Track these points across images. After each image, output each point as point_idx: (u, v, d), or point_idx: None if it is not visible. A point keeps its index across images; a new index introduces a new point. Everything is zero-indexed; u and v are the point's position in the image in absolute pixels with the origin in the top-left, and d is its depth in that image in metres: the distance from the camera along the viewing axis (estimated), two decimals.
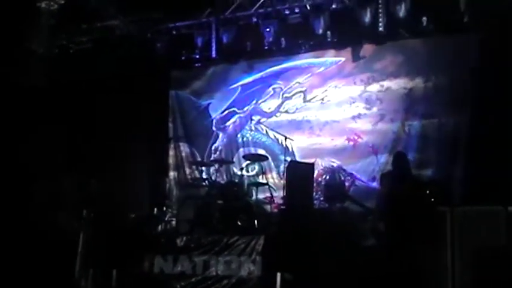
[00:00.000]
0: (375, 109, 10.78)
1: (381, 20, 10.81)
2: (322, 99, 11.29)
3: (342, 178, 10.18)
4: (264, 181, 10.08)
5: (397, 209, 6.95)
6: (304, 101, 11.45)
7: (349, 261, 5.97)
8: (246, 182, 10.53)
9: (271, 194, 9.96)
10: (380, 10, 10.81)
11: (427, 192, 7.60)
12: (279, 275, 7.39)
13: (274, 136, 11.56)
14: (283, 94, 11.73)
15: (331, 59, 11.36)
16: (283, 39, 11.63)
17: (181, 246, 8.15)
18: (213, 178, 9.94)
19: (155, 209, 9.74)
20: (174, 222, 9.27)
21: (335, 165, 10.65)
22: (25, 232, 8.99)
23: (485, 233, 6.64)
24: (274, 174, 11.26)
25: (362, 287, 5.59)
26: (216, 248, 7.88)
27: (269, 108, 11.79)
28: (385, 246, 8.07)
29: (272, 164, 11.23)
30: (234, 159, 11.42)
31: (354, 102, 10.98)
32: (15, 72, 11.28)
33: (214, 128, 12.24)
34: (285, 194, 9.32)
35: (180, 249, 8.12)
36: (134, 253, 8.34)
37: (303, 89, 11.54)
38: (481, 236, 6.55)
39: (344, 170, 10.49)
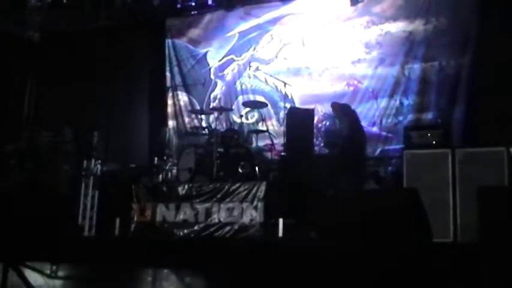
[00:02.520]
0: (374, 53, 10.67)
1: None
2: (321, 44, 11.16)
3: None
4: (264, 128, 10.05)
5: None
6: (303, 46, 11.33)
7: (349, 206, 5.97)
8: (246, 129, 10.51)
9: (271, 140, 9.96)
10: None
11: (428, 135, 7.57)
12: (281, 221, 7.44)
13: (273, 83, 11.48)
14: (281, 40, 11.60)
15: (329, 3, 11.18)
16: None
17: (183, 195, 8.17)
18: (212, 126, 9.90)
19: (155, 159, 9.73)
20: (174, 171, 9.25)
21: None
22: (27, 182, 9.04)
23: (487, 174, 6.63)
24: (274, 121, 11.24)
25: (363, 232, 5.60)
26: (218, 195, 7.89)
27: (267, 55, 11.68)
28: (386, 190, 8.13)
29: (271, 111, 11.18)
30: (233, 107, 11.36)
31: (353, 47, 10.86)
32: (9, 24, 11.15)
33: (212, 76, 12.16)
34: (285, 140, 9.33)
35: (182, 198, 8.14)
36: (136, 202, 8.38)
37: (302, 34, 11.40)
38: (482, 177, 6.54)
39: None
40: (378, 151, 10.22)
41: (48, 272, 6.57)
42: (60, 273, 6.63)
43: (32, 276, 6.45)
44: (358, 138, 8.78)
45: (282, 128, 9.64)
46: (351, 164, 8.44)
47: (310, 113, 9.46)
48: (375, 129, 10.33)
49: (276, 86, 11.39)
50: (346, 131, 8.73)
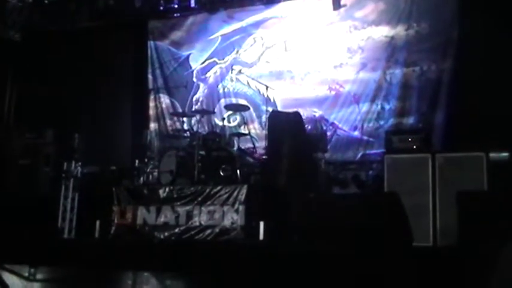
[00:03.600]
0: (356, 58, 10.72)
1: None
2: (304, 48, 11.19)
3: (324, 128, 10.16)
4: (246, 131, 10.04)
5: None
6: (286, 50, 11.35)
7: (331, 209, 5.99)
8: (227, 132, 10.47)
9: (253, 144, 9.95)
10: None
11: (409, 140, 7.63)
12: (262, 224, 7.44)
13: (256, 86, 11.48)
14: (264, 44, 11.61)
15: (312, 7, 11.21)
16: None
17: (164, 197, 8.14)
18: (194, 129, 9.85)
19: (137, 161, 9.69)
20: (156, 174, 9.21)
21: (317, 114, 10.63)
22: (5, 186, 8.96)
23: (466, 179, 6.69)
24: (256, 125, 11.23)
25: (345, 235, 5.63)
26: (199, 198, 7.87)
27: (250, 58, 11.68)
28: (366, 193, 8.17)
29: (254, 114, 11.18)
30: (216, 110, 11.35)
31: (335, 52, 10.91)
32: None
33: (195, 79, 12.14)
34: (266, 143, 9.32)
35: (163, 200, 8.11)
36: (117, 204, 8.33)
37: (284, 38, 11.42)
38: (462, 182, 6.60)
39: (326, 120, 10.49)
40: (359, 155, 10.27)
41: (26, 274, 6.51)
42: (39, 276, 6.57)
43: (10, 279, 6.38)
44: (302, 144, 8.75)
45: (264, 132, 9.64)
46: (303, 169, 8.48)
47: (297, 115, 9.47)
48: (356, 133, 10.38)
49: (259, 90, 11.39)
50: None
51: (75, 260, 6.54)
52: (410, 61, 10.23)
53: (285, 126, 8.77)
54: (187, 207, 7.91)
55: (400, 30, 10.43)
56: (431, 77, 9.98)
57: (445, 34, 9.91)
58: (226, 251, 6.49)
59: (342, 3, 10.88)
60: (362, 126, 10.35)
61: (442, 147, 8.84)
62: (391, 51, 10.44)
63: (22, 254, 6.53)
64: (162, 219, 8.02)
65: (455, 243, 5.86)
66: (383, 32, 10.57)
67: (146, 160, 9.59)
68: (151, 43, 12.60)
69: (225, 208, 7.69)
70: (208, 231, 7.70)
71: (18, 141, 9.36)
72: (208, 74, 12.04)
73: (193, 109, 11.53)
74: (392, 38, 10.47)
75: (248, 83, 11.63)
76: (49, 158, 9.27)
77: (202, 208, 7.83)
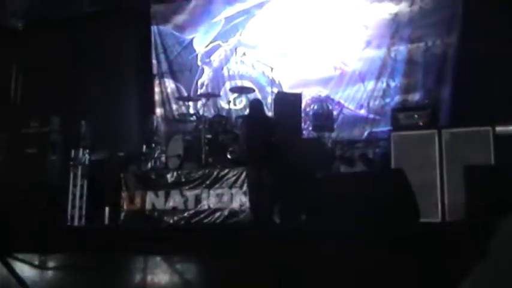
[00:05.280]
0: (360, 36, 10.65)
1: None
2: (307, 28, 11.12)
3: (330, 107, 10.14)
4: None
5: None
6: (290, 30, 11.28)
7: (338, 188, 5.99)
8: (234, 115, 10.48)
9: None
10: None
11: (415, 116, 7.61)
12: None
13: (260, 68, 11.44)
14: (267, 24, 11.54)
15: None
16: None
17: (172, 182, 8.18)
18: (200, 113, 9.86)
19: (144, 146, 9.70)
20: (163, 159, 9.22)
21: (322, 94, 10.58)
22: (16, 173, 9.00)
23: (474, 153, 6.67)
24: None
25: (352, 213, 5.63)
26: (207, 181, 7.90)
27: (254, 40, 11.63)
28: (372, 171, 8.16)
29: (259, 96, 11.14)
30: (221, 93, 11.34)
31: (339, 30, 10.83)
32: None
33: (199, 63, 12.10)
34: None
35: (171, 185, 8.15)
36: (126, 190, 8.37)
37: (288, 19, 11.34)
38: (469, 156, 6.58)
39: (332, 99, 10.45)
40: (366, 133, 10.24)
41: (37, 263, 6.55)
42: (50, 264, 6.61)
43: (20, 267, 6.42)
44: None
45: (270, 113, 9.62)
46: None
47: (297, 97, 9.46)
48: (362, 111, 10.34)
49: (263, 71, 11.36)
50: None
51: (85, 247, 6.58)
52: (414, 37, 10.15)
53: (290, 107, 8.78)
54: (196, 191, 7.94)
55: (403, 7, 10.34)
56: (437, 53, 9.91)
57: (450, 9, 9.82)
58: (236, 233, 6.53)
59: None
60: (368, 104, 10.31)
61: (449, 123, 8.80)
62: (396, 28, 10.36)
63: (32, 243, 6.58)
64: (170, 203, 8.06)
65: (464, 218, 5.86)
66: (387, 8, 10.48)
67: (153, 145, 9.60)
68: (154, 28, 12.55)
69: (233, 191, 7.72)
70: (217, 214, 7.74)
71: (25, 129, 9.36)
72: (212, 57, 11.99)
73: (198, 93, 11.52)
74: (396, 14, 10.38)
75: (253, 64, 11.59)
76: (56, 145, 9.28)
77: (211, 191, 7.85)
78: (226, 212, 7.70)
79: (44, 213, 7.93)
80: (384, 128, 9.77)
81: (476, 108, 8.49)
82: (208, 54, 12.04)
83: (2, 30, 11.79)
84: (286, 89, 10.86)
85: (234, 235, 6.37)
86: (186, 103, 11.08)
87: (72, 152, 8.97)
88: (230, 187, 7.75)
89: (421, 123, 7.43)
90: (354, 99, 10.46)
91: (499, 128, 6.85)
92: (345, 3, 10.87)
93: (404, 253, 4.60)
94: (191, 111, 10.54)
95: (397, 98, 10.12)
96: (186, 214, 7.92)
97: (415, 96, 9.91)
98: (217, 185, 7.84)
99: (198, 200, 7.92)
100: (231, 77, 11.76)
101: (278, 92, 10.10)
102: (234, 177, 7.75)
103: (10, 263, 6.28)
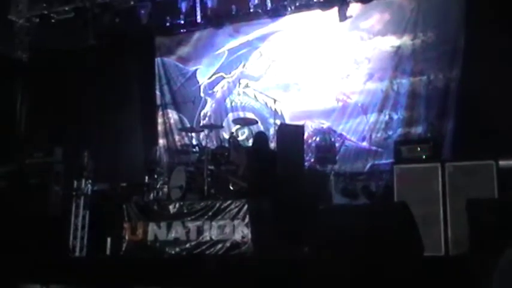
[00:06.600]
0: (363, 68, 10.73)
1: None
2: (310, 60, 11.20)
3: (332, 139, 10.16)
4: None
5: None
6: (292, 62, 11.36)
7: (340, 220, 5.97)
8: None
9: None
10: None
11: (418, 149, 7.61)
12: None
13: (263, 99, 11.51)
14: (270, 57, 11.64)
15: (317, 19, 11.23)
16: (268, 0, 11.44)
17: (174, 213, 8.15)
18: (203, 144, 9.88)
19: (146, 177, 9.71)
20: (165, 190, 9.22)
21: (325, 126, 10.63)
22: (17, 206, 8.98)
23: (477, 187, 6.66)
24: None
25: (354, 246, 5.61)
26: (209, 213, 7.86)
27: (257, 72, 11.71)
28: (376, 204, 8.13)
29: (261, 127, 11.17)
30: (224, 124, 11.38)
31: (342, 63, 10.92)
32: None
33: (202, 94, 12.18)
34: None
35: (173, 216, 8.12)
36: (128, 221, 8.35)
37: (290, 51, 11.44)
38: (472, 190, 6.57)
39: (334, 131, 10.48)
40: (368, 166, 10.25)
41: None
42: None
43: None
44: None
45: (273, 145, 9.65)
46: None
47: (300, 128, 9.49)
48: (364, 144, 10.37)
49: (266, 103, 11.41)
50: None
51: (87, 278, 6.55)
52: (417, 70, 10.23)
53: (293, 139, 8.79)
54: (198, 222, 7.90)
55: (406, 40, 10.43)
56: (439, 86, 9.96)
57: (452, 43, 9.90)
58: (238, 265, 6.50)
59: (347, 14, 10.86)
60: (370, 136, 10.34)
61: (452, 156, 8.80)
62: (398, 61, 10.45)
63: (34, 273, 6.55)
64: (172, 234, 8.02)
65: (467, 252, 5.83)
66: (389, 42, 10.58)
67: (156, 176, 9.61)
68: (158, 59, 12.66)
69: (235, 222, 7.67)
70: (219, 245, 7.69)
71: (28, 160, 9.39)
72: (215, 89, 12.07)
73: (201, 124, 11.57)
74: (398, 47, 10.47)
75: (255, 96, 11.65)
76: (59, 176, 9.29)
77: (213, 223, 7.81)
78: (228, 244, 7.65)
79: (46, 244, 7.89)
80: (386, 160, 9.79)
81: (479, 142, 8.50)
82: (211, 85, 12.12)
83: (7, 61, 11.88)
84: (289, 120, 10.91)
85: (236, 267, 6.34)
86: (189, 134, 11.12)
87: (75, 182, 8.99)
88: (232, 219, 7.70)
89: (423, 157, 7.43)
90: (356, 131, 10.49)
91: (502, 162, 6.86)
92: (347, 36, 10.96)
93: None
94: (194, 142, 10.58)
95: (400, 131, 10.15)
96: (188, 245, 7.88)
97: (418, 129, 9.94)
98: (219, 217, 7.80)
99: (200, 231, 7.87)
100: (234, 109, 11.83)
101: (281, 124, 10.14)
102: (236, 209, 7.71)
103: None
